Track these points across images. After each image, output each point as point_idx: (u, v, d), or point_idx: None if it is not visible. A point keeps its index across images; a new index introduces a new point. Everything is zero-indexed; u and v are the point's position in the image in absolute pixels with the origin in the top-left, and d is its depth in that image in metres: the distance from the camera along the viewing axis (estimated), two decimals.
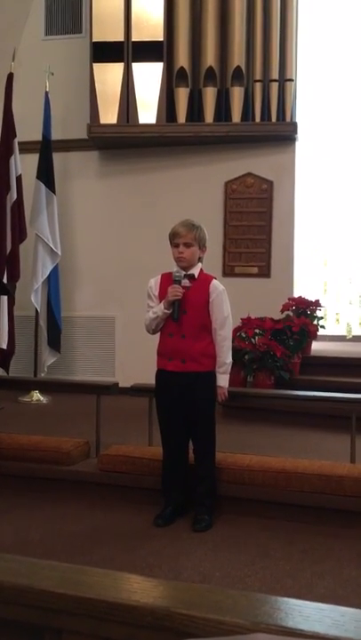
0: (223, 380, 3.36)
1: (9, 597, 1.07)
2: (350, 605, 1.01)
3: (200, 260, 3.39)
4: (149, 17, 6.05)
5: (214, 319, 3.30)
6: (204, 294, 3.30)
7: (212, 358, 3.32)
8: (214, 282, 3.36)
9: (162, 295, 3.32)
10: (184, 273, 3.31)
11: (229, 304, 3.38)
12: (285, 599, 1.01)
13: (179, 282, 3.26)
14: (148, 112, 6.08)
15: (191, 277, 3.32)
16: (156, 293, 3.36)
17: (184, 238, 3.29)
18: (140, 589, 1.04)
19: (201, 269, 3.38)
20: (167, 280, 3.34)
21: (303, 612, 0.96)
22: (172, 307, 3.24)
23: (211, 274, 3.45)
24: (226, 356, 3.34)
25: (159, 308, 3.29)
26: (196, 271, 3.34)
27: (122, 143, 6.32)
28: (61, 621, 1.04)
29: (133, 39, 6.04)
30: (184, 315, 3.26)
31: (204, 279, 3.35)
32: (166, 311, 3.26)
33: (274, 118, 6.01)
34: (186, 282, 3.30)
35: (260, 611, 0.97)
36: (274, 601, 1.00)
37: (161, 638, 0.97)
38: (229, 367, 3.39)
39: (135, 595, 1.02)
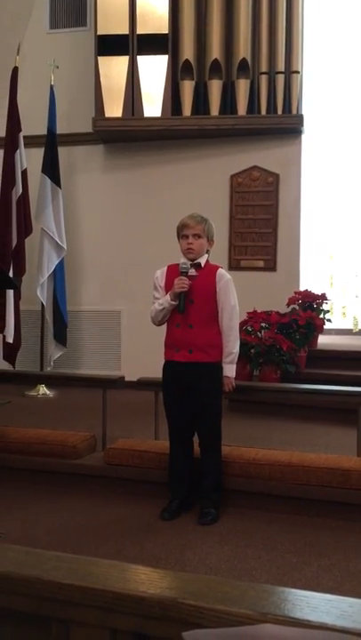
0: (230, 370, 3.36)
1: (17, 588, 1.08)
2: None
3: (207, 252, 3.38)
4: (154, 9, 6.03)
5: (221, 308, 3.30)
6: (211, 283, 3.30)
7: (219, 349, 3.32)
8: (220, 270, 3.36)
9: (168, 286, 3.31)
10: (190, 263, 3.31)
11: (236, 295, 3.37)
12: (293, 590, 1.00)
13: (185, 273, 3.26)
14: (153, 105, 6.06)
15: (198, 266, 3.32)
16: (162, 284, 3.36)
17: (193, 230, 3.29)
18: (147, 580, 1.04)
19: (207, 260, 3.37)
20: (173, 271, 3.33)
21: (311, 603, 0.96)
22: (179, 298, 3.24)
23: (217, 264, 3.45)
24: (233, 346, 3.33)
25: (165, 300, 3.28)
26: (202, 260, 3.34)
27: (127, 136, 6.31)
28: (69, 612, 1.05)
29: (138, 32, 6.02)
30: (191, 304, 3.26)
31: (211, 268, 3.35)
32: (173, 302, 3.26)
33: (280, 111, 5.98)
34: (192, 271, 3.29)
35: (267, 602, 0.96)
36: (281, 592, 1.00)
37: (168, 629, 0.97)
38: (236, 357, 3.38)
39: (142, 585, 1.02)
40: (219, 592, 0.99)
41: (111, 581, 1.04)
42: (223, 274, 3.34)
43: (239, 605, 0.95)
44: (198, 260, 3.32)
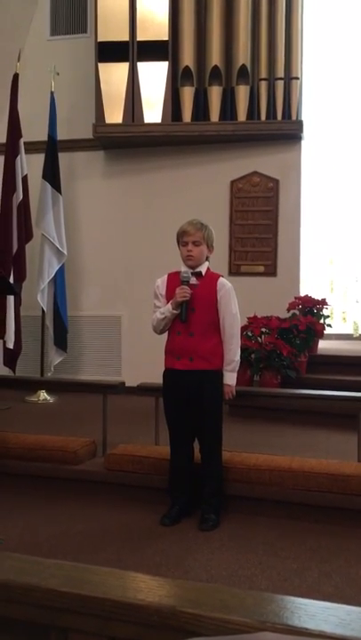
0: (231, 378, 3.36)
1: (15, 596, 1.07)
2: (358, 605, 1.00)
3: (207, 259, 3.39)
4: (154, 16, 6.05)
5: (222, 317, 3.30)
6: (211, 291, 3.30)
7: (220, 357, 3.32)
8: (222, 279, 3.36)
9: (169, 294, 3.32)
10: (191, 271, 3.31)
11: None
12: (291, 598, 1.00)
13: (187, 282, 3.26)
14: (153, 111, 6.08)
15: (198, 275, 3.32)
16: (163, 293, 3.36)
17: (193, 237, 3.29)
18: (145, 588, 1.04)
19: (208, 268, 3.38)
20: (174, 279, 3.34)
21: (309, 611, 0.95)
22: (180, 307, 3.24)
23: (218, 272, 3.46)
24: (234, 354, 3.34)
25: (167, 309, 3.29)
26: (203, 269, 3.34)
27: (127, 143, 6.32)
28: (67, 620, 1.04)
29: (138, 39, 6.05)
30: (192, 313, 3.26)
31: (212, 277, 3.35)
32: (174, 311, 3.26)
33: (280, 117, 6.00)
34: (193, 280, 3.30)
35: (266, 609, 0.96)
36: (280, 600, 1.00)
37: (167, 637, 0.97)
38: (237, 365, 3.38)
39: (141, 593, 1.02)
40: (217, 600, 0.99)
41: (110, 589, 1.04)
42: (224, 283, 3.34)
43: (238, 613, 0.95)
44: (199, 269, 3.33)
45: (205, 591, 1.03)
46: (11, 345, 5.73)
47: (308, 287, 6.35)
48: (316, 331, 5.50)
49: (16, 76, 5.99)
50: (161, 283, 3.40)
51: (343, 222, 7.03)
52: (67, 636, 1.05)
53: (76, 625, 1.04)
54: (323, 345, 5.91)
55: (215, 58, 6.05)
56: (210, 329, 3.29)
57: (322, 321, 5.70)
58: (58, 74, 6.20)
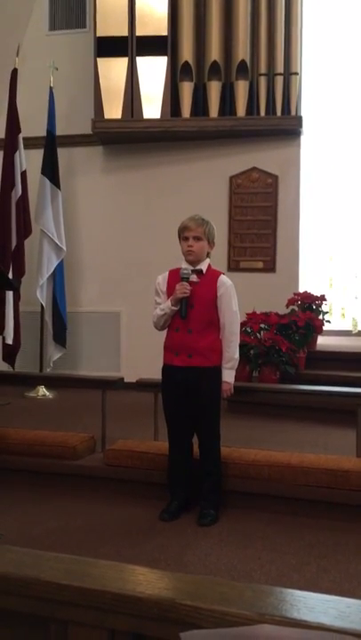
0: (229, 376, 3.36)
1: (15, 589, 1.08)
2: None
3: (208, 255, 3.39)
4: (153, 11, 6.04)
5: (222, 314, 3.30)
6: (212, 289, 3.30)
7: (219, 353, 3.32)
8: (222, 277, 3.36)
9: (169, 291, 3.32)
10: (192, 269, 3.31)
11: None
12: (290, 590, 1.01)
13: (186, 279, 3.26)
14: (152, 107, 6.06)
15: (199, 272, 3.32)
16: (164, 289, 3.36)
17: (194, 232, 3.29)
18: (145, 581, 1.04)
19: (209, 265, 3.38)
20: (175, 276, 3.33)
21: (308, 604, 0.96)
22: (180, 304, 3.24)
23: (219, 270, 3.45)
24: (233, 352, 3.34)
25: (166, 306, 3.29)
26: (204, 266, 3.34)
27: (126, 138, 6.31)
28: (67, 613, 1.05)
29: (137, 34, 6.03)
30: (191, 309, 3.26)
31: (213, 274, 3.35)
32: (174, 308, 3.26)
33: (279, 112, 5.99)
34: (193, 277, 3.30)
35: (265, 602, 0.97)
36: (279, 592, 1.00)
37: (166, 629, 0.97)
38: (236, 363, 3.39)
39: (140, 586, 1.02)
40: (216, 592, 0.99)
41: (109, 582, 1.04)
42: (225, 281, 3.34)
43: (237, 606, 0.95)
44: (200, 267, 3.33)
45: (204, 584, 1.03)
46: (10, 340, 5.73)
47: (308, 283, 6.34)
48: (314, 327, 5.51)
49: (15, 72, 5.97)
50: (162, 279, 3.40)
51: (343, 218, 7.02)
52: (66, 628, 1.05)
53: (76, 617, 1.04)
54: (321, 341, 5.91)
55: (214, 53, 6.03)
56: (208, 326, 3.29)
57: (321, 317, 5.70)
58: (57, 69, 6.18)
